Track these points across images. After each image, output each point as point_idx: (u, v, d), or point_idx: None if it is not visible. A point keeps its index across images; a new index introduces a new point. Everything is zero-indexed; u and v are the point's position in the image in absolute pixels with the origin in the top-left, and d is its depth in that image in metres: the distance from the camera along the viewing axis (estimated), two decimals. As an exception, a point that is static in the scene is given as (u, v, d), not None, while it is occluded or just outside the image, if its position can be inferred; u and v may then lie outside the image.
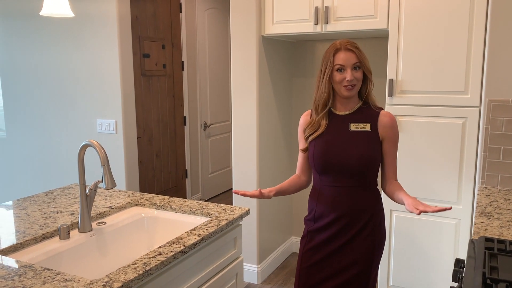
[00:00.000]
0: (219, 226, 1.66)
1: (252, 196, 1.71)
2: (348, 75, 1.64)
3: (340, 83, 1.67)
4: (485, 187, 2.24)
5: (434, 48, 2.38)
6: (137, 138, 3.79)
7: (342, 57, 1.65)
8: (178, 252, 1.44)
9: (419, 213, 1.45)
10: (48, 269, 1.32)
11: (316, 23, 2.69)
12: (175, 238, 1.54)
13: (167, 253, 1.41)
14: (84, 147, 1.65)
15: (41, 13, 2.04)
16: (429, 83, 2.41)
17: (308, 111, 1.84)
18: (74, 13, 3.34)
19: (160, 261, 1.36)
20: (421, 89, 2.44)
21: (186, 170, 4.69)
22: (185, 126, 4.62)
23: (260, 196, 1.72)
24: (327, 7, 2.64)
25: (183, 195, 4.65)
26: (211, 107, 5.00)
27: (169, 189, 4.42)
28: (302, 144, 1.83)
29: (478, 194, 2.13)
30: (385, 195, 1.80)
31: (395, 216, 2.59)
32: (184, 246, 1.47)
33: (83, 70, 3.51)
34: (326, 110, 1.73)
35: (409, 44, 2.44)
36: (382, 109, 1.75)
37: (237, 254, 1.85)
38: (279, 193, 1.84)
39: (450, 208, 1.47)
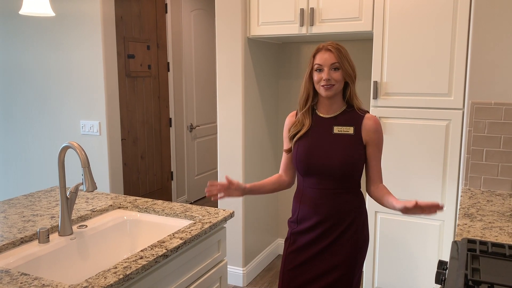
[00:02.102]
0: (202, 229, 1.64)
1: (220, 188, 1.69)
2: (324, 74, 1.65)
3: (319, 83, 1.68)
4: (468, 189, 2.26)
5: (418, 51, 2.39)
6: (122, 139, 3.74)
7: (321, 57, 1.67)
8: (160, 256, 1.41)
9: (415, 204, 1.47)
10: (25, 274, 1.29)
11: (302, 24, 2.69)
12: (157, 241, 1.52)
13: (148, 257, 1.39)
14: (65, 149, 1.62)
15: (21, 11, 2.00)
16: (413, 85, 2.43)
17: (294, 112, 1.84)
18: (57, 12, 3.29)
19: (141, 265, 1.34)
20: (406, 91, 2.45)
21: (172, 172, 4.65)
22: (170, 128, 4.58)
23: (228, 184, 1.69)
24: (312, 9, 2.64)
25: (168, 198, 4.60)
26: (197, 109, 4.97)
27: (154, 192, 4.38)
28: (286, 145, 1.83)
29: (461, 196, 2.15)
30: (370, 198, 1.80)
31: (380, 218, 2.60)
32: (166, 249, 1.45)
33: (66, 71, 3.46)
34: (308, 109, 1.74)
35: (393, 46, 2.45)
36: (368, 112, 1.75)
37: (221, 257, 1.83)
38: (255, 189, 1.83)
39: (442, 206, 1.48)
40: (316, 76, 1.68)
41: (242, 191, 1.77)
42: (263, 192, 1.88)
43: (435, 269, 2.47)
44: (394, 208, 1.61)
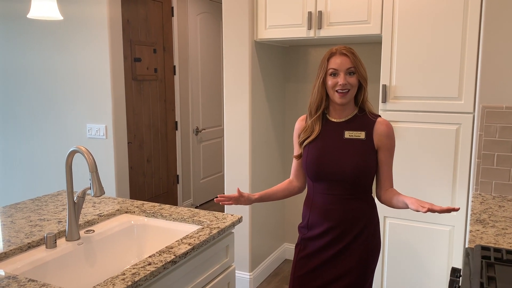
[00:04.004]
0: (210, 234, 1.63)
1: (230, 199, 1.70)
2: (341, 79, 1.62)
3: (333, 88, 1.64)
4: (479, 194, 2.23)
5: (428, 54, 2.37)
6: (128, 143, 3.73)
7: (336, 62, 1.63)
8: (168, 262, 1.40)
9: (426, 211, 1.43)
10: (33, 280, 1.27)
11: (309, 28, 2.67)
12: (165, 247, 1.50)
13: (157, 263, 1.37)
14: (72, 153, 1.61)
15: (29, 15, 1.99)
16: (423, 89, 2.40)
17: (304, 116, 1.81)
18: (64, 16, 3.28)
19: (149, 272, 1.32)
20: (415, 94, 2.42)
21: (178, 175, 4.64)
22: (176, 131, 4.57)
23: (239, 195, 1.70)
24: (320, 12, 2.63)
25: (174, 201, 4.59)
26: (203, 112, 4.96)
27: (160, 195, 4.36)
28: (296, 150, 1.80)
29: (472, 201, 2.12)
30: (381, 204, 1.78)
31: (389, 223, 2.57)
32: (174, 255, 1.43)
33: (73, 74, 3.46)
34: (319, 115, 1.71)
35: (402, 49, 2.42)
36: (379, 116, 1.72)
37: (229, 262, 1.81)
38: (265, 198, 1.83)
39: (458, 209, 1.45)
40: (330, 80, 1.64)
41: (252, 201, 1.77)
42: (274, 199, 1.87)
43: (445, 275, 2.45)
44: (406, 207, 1.58)
